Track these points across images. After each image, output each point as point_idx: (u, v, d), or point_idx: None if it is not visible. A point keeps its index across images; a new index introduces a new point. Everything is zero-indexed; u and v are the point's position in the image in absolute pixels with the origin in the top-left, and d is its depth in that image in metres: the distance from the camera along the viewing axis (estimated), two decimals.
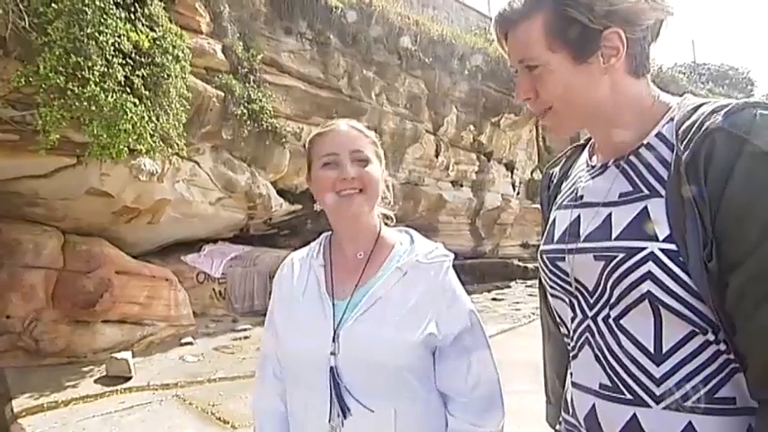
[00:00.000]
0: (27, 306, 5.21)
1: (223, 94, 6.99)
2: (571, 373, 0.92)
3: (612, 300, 0.80)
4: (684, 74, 22.58)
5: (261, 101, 7.58)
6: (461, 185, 13.27)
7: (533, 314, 8.73)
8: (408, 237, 1.16)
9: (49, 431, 3.63)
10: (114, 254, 6.11)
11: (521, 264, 14.49)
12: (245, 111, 7.28)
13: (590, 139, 0.99)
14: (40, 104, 4.23)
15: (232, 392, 4.53)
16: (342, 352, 1.00)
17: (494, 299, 10.53)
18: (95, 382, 4.68)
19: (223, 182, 7.55)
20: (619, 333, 0.80)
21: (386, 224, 1.19)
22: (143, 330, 6.00)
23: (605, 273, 0.80)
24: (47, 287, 5.40)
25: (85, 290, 5.49)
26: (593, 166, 0.93)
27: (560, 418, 0.98)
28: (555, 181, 1.06)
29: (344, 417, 0.99)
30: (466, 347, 1.06)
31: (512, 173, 15.17)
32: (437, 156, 12.06)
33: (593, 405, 0.84)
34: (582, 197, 0.91)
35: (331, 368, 1.00)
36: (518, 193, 15.31)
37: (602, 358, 0.83)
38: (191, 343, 6.26)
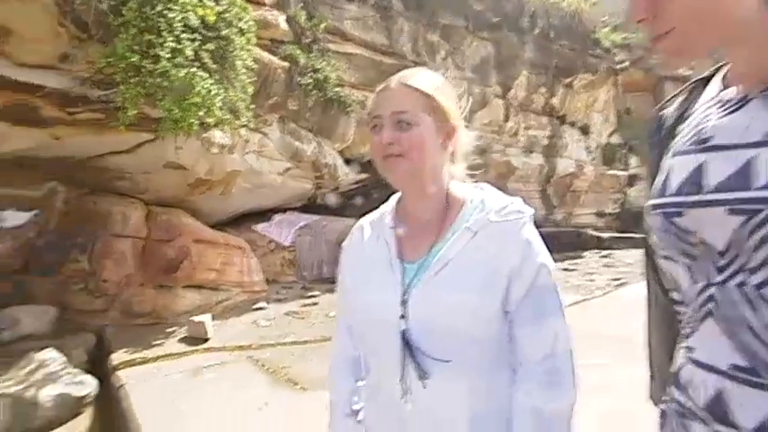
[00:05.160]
0: (119, 271, 5.68)
1: (288, 65, 7.07)
2: (689, 348, 0.78)
3: (752, 263, 0.65)
4: None
5: (325, 70, 7.59)
6: (532, 151, 12.74)
7: (608, 285, 8.32)
8: (481, 193, 1.07)
9: (141, 383, 3.95)
10: (192, 223, 6.48)
11: (595, 233, 13.80)
12: (310, 81, 7.34)
13: (718, 69, 0.81)
14: (119, 83, 4.47)
15: (302, 355, 4.70)
16: (411, 316, 0.98)
17: (565, 269, 10.14)
18: (178, 341, 5.05)
19: (290, 152, 7.72)
20: (760, 303, 0.65)
21: (459, 181, 1.11)
22: (219, 295, 6.37)
23: (744, 230, 0.65)
24: (134, 254, 5.84)
25: (167, 257, 5.90)
26: (726, 101, 0.75)
27: (667, 396, 0.85)
28: (669, 123, 0.87)
29: (419, 379, 0.97)
30: (537, 314, 0.98)
31: (587, 137, 14.32)
32: (506, 121, 11.61)
33: (722, 388, 0.70)
34: (709, 139, 0.73)
35: (402, 331, 0.98)
36: (593, 159, 14.47)
37: (733, 333, 0.69)
38: (263, 308, 6.55)
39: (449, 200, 1.07)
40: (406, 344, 0.98)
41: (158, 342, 4.97)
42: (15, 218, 5.25)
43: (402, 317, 0.99)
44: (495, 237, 0.99)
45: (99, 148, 5.49)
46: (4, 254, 5.07)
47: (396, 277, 1.03)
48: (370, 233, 1.14)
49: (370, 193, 9.81)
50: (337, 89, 7.87)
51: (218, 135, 5.71)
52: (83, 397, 3.80)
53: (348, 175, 9.20)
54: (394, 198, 1.17)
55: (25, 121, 4.61)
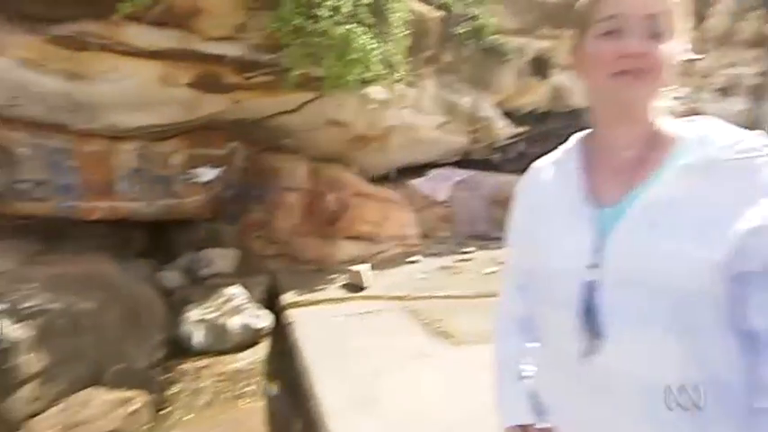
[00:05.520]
0: (288, 221, 6.27)
1: (443, 15, 6.83)
2: None
3: None
4: None
5: (481, 17, 7.17)
6: (732, 94, 10.64)
7: None
8: (701, 127, 0.87)
9: (306, 322, 4.35)
10: (351, 178, 6.83)
11: None
12: (465, 30, 7.01)
13: None
14: (285, 46, 4.75)
15: (455, 310, 4.69)
16: (607, 266, 0.83)
17: None
18: (339, 288, 5.43)
19: (445, 106, 7.58)
20: None
21: (665, 113, 0.91)
22: (376, 247, 6.66)
23: None
24: (300, 206, 6.38)
25: (329, 209, 6.32)
26: None
27: None
28: None
29: (603, 338, 0.83)
30: None
31: None
32: (698, 59, 9.81)
33: None
34: None
35: (588, 282, 0.84)
36: None
37: None
38: (418, 261, 6.69)
39: (657, 134, 0.88)
40: (592, 297, 0.84)
41: (321, 287, 5.40)
42: (207, 174, 6.07)
43: (592, 266, 0.84)
44: (723, 178, 0.79)
45: (269, 109, 6.01)
46: (200, 205, 5.94)
47: (588, 221, 0.88)
48: (552, 174, 0.99)
49: (528, 147, 9.25)
50: (495, 37, 7.41)
51: (375, 91, 5.81)
52: (261, 329, 4.33)
53: (505, 129, 8.75)
54: (576, 136, 1.01)
55: (212, 89, 5.20)
